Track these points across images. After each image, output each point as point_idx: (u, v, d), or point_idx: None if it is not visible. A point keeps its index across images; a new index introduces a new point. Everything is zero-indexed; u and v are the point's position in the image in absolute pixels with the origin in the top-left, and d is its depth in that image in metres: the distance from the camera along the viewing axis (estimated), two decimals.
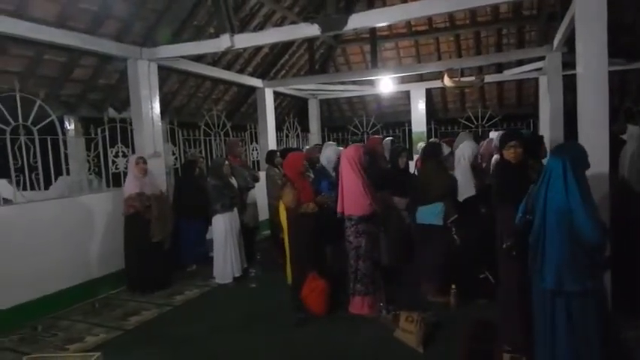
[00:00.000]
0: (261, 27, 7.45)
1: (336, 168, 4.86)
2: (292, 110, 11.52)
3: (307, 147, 7.94)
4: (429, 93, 10.45)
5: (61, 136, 4.88)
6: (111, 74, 6.50)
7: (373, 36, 8.44)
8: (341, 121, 11.84)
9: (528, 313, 2.77)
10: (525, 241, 2.67)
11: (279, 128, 9.40)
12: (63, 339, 3.96)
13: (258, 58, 8.60)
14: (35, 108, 4.56)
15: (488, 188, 4.01)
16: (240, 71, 8.35)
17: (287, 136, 9.98)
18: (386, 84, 9.35)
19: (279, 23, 7.73)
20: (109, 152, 5.51)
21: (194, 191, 5.71)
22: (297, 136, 10.35)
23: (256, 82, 8.51)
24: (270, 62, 8.99)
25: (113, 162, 5.57)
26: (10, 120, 4.37)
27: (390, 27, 9.25)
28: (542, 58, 7.33)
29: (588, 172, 2.60)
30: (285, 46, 8.81)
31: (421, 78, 9.98)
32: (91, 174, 5.88)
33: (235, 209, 5.39)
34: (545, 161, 4.18)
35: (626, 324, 3.48)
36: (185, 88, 8.07)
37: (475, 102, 10.39)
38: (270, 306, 4.50)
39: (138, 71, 5.66)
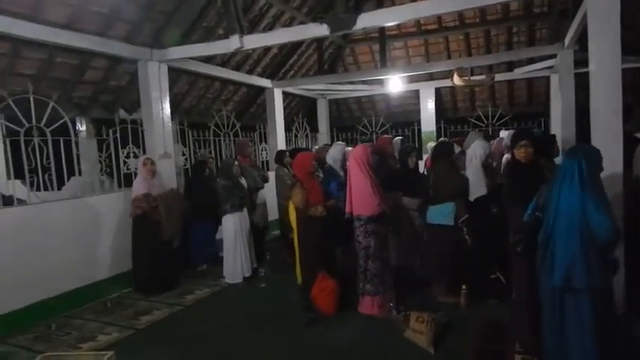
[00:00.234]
0: (270, 27, 7.47)
1: (344, 167, 4.88)
2: (301, 110, 11.54)
3: (316, 147, 7.95)
4: (438, 92, 10.40)
5: (73, 138, 4.94)
6: (122, 76, 6.57)
7: (382, 35, 8.41)
8: (350, 120, 11.83)
9: (538, 313, 2.75)
10: (533, 238, 2.66)
11: (288, 128, 9.42)
12: (76, 338, 4.01)
13: (267, 59, 8.63)
14: (48, 110, 4.61)
15: (499, 188, 3.98)
16: (250, 72, 8.39)
17: (296, 136, 9.99)
18: (395, 83, 9.32)
19: (288, 23, 7.75)
20: (120, 153, 5.57)
21: (204, 191, 5.74)
22: (306, 136, 10.36)
23: (265, 83, 8.53)
24: (279, 62, 9.01)
25: (124, 162, 5.63)
26: (24, 122, 4.44)
27: (399, 26, 9.22)
28: (553, 56, 7.26)
29: (601, 172, 2.58)
30: (293, 47, 8.83)
31: (431, 77, 9.93)
32: (102, 174, 5.94)
33: (245, 209, 5.41)
34: (557, 160, 4.15)
35: (638, 323, 3.43)
36: (195, 89, 8.13)
37: (485, 101, 10.31)
38: (279, 306, 4.51)
39: (148, 73, 5.72)
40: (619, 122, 3.49)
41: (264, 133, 8.85)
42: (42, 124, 4.57)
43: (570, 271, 2.42)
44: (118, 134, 5.50)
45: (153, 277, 5.02)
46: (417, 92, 10.41)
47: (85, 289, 4.86)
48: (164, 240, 5.04)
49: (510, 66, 8.96)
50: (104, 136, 5.50)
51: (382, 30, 8.29)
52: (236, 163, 5.51)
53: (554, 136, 5.52)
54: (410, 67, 9.49)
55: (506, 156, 4.52)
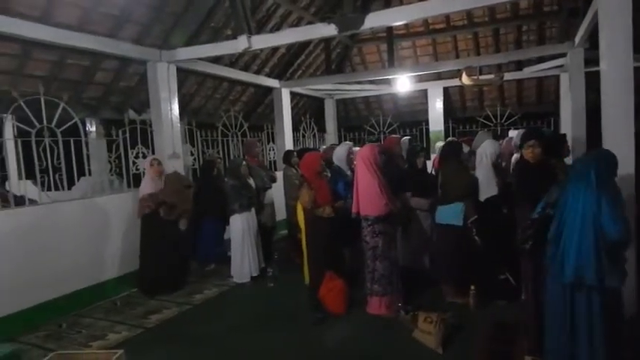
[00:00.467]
0: (277, 28, 7.48)
1: (350, 167, 4.87)
2: (309, 110, 11.55)
3: (324, 147, 7.95)
4: (446, 92, 10.34)
5: (83, 138, 4.99)
6: (131, 77, 6.63)
7: (390, 35, 8.38)
8: (357, 120, 11.81)
9: (542, 313, 2.74)
10: (542, 235, 2.64)
11: (295, 128, 9.43)
12: (86, 336, 4.05)
13: (275, 59, 8.64)
14: (59, 111, 4.67)
15: (508, 187, 3.96)
16: (257, 72, 8.41)
17: (304, 136, 10.00)
18: (403, 83, 9.30)
19: (296, 24, 7.76)
20: (129, 153, 5.62)
21: (212, 191, 5.77)
22: (314, 136, 10.37)
23: (273, 83, 8.56)
24: (287, 63, 9.02)
25: (134, 163, 5.68)
26: (35, 122, 4.49)
27: (407, 26, 9.19)
28: (563, 55, 7.18)
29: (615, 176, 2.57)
30: (301, 47, 8.83)
31: (439, 76, 9.88)
32: (112, 175, 6.00)
33: (253, 209, 5.42)
34: (568, 160, 4.11)
35: None
36: (203, 89, 8.17)
37: (494, 100, 10.24)
38: (287, 305, 4.52)
39: (157, 73, 5.76)
40: (630, 122, 3.45)
41: (272, 133, 8.87)
42: (53, 125, 4.62)
43: (582, 269, 2.41)
44: (128, 135, 5.55)
45: (158, 277, 4.98)
46: (424, 92, 10.37)
47: (94, 289, 4.91)
48: (173, 239, 5.02)
49: (520, 65, 8.89)
50: (114, 137, 5.55)
51: (390, 29, 8.27)
52: (244, 163, 5.53)
53: (564, 135, 5.46)
54: (418, 66, 9.45)
55: (516, 156, 4.48)
